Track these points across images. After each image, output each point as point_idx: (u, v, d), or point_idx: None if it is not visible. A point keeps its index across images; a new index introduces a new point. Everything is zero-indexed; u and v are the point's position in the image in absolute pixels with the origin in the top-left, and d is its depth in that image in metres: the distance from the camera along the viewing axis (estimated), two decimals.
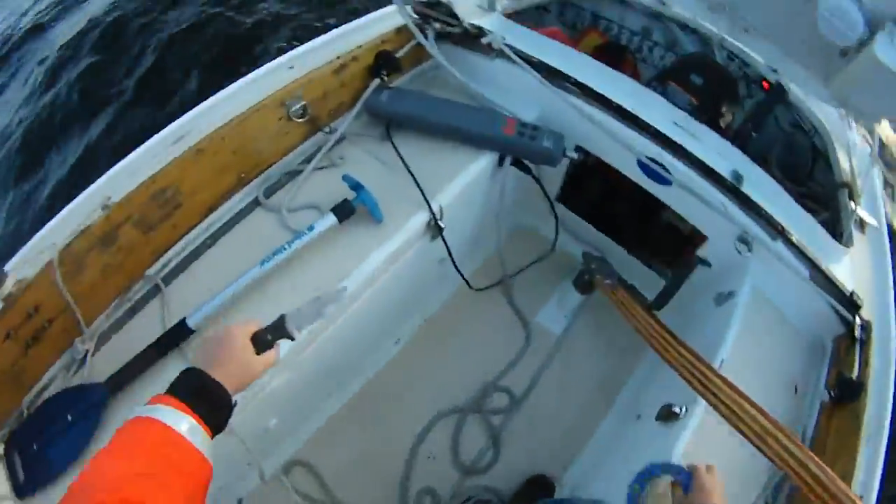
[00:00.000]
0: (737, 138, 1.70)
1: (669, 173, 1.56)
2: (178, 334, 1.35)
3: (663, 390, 1.56)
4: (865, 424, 1.31)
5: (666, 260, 1.92)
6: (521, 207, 2.21)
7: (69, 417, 1.31)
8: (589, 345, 2.01)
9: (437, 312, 2.06)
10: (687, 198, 1.56)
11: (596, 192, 2.12)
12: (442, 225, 1.60)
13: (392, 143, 1.69)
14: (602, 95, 1.63)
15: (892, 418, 1.33)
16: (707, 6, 1.90)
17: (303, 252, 1.45)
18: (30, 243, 1.31)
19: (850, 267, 1.57)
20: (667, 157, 1.56)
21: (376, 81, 1.75)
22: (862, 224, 1.74)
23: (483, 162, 1.71)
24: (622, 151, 1.60)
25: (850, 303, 1.48)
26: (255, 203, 1.60)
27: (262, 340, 0.87)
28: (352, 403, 1.88)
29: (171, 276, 1.49)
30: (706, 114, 1.80)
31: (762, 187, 1.52)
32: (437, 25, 1.82)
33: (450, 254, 1.68)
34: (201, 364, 0.80)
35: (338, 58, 1.68)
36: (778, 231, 1.45)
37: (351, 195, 1.51)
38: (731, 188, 1.49)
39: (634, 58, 2.49)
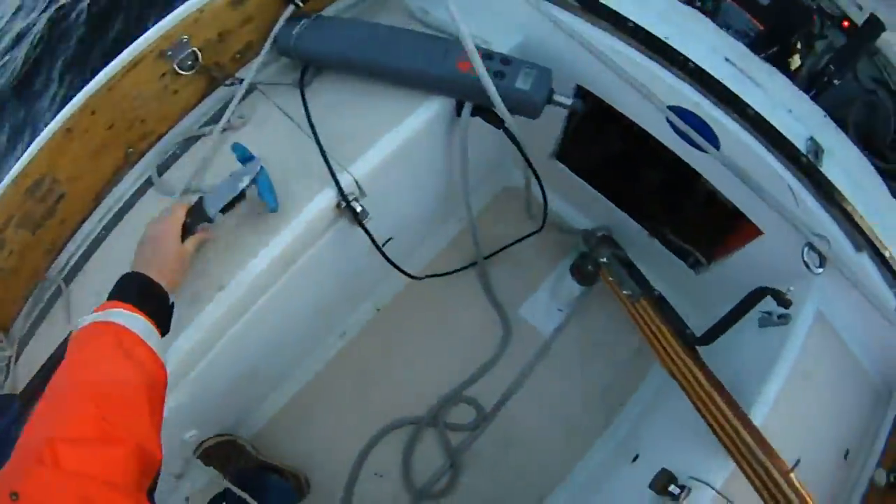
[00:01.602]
0: (811, 87, 1.12)
1: (713, 133, 1.02)
2: None
3: (673, 434, 1.17)
4: None
5: (703, 245, 1.33)
6: (511, 163, 1.67)
7: None
8: (585, 350, 1.52)
9: (392, 301, 1.66)
10: (737, 173, 1.02)
11: (611, 146, 1.50)
12: (357, 207, 1.20)
13: (302, 95, 1.28)
14: (614, 12, 1.07)
15: None
16: None
17: None
18: None
19: None
20: (710, 110, 1.01)
21: (290, 9, 1.32)
22: None
23: (426, 114, 1.23)
24: (643, 99, 1.04)
25: None
26: (150, 183, 1.35)
27: (185, 228, 0.92)
28: (286, 409, 1.62)
29: (72, 275, 1.35)
30: (772, 48, 1.21)
31: (849, 168, 0.98)
32: None
33: (372, 240, 1.27)
34: (142, 267, 0.82)
35: None
36: (865, 239, 0.95)
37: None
38: (806, 167, 0.96)
39: None
